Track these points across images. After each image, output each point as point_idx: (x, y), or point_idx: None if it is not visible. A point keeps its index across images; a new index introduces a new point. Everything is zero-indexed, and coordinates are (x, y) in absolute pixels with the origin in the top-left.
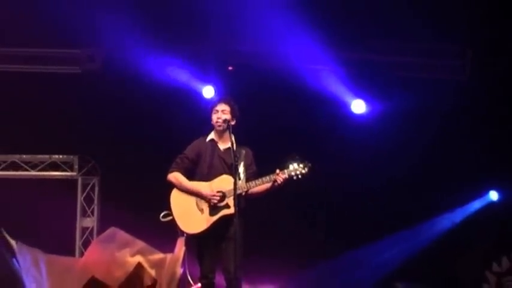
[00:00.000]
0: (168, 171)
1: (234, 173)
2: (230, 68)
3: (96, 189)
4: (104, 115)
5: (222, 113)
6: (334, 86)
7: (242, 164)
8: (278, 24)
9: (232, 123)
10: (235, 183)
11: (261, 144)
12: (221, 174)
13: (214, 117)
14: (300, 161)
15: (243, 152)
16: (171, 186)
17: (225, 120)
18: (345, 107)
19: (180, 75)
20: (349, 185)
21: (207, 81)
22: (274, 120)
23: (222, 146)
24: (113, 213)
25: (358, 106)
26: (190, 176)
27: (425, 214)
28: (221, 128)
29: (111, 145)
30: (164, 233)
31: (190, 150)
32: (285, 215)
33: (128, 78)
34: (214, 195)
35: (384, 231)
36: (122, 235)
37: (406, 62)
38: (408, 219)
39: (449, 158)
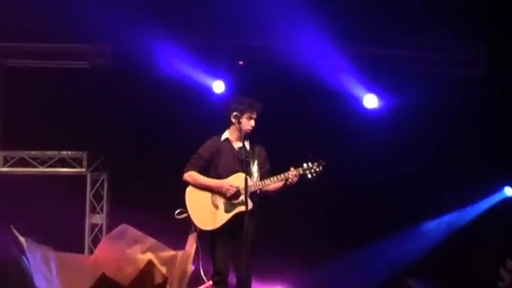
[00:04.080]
0: (183, 171)
1: (245, 169)
2: (240, 62)
3: (105, 185)
4: (113, 111)
5: (254, 122)
6: (346, 80)
7: (256, 162)
8: (289, 18)
9: None
10: (246, 179)
11: (272, 140)
12: (236, 172)
13: (248, 123)
14: (314, 159)
15: (257, 149)
16: (182, 182)
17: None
18: (357, 101)
19: (190, 70)
20: (361, 181)
21: (217, 76)
22: (285, 115)
23: (237, 144)
24: (122, 209)
25: (371, 101)
26: (206, 175)
27: (439, 210)
28: (248, 134)
29: (120, 141)
30: (175, 230)
31: (204, 150)
32: (296, 213)
33: (137, 74)
34: (229, 188)
35: (396, 228)
36: (133, 232)
37: (419, 56)
38: (421, 216)
39: (463, 154)
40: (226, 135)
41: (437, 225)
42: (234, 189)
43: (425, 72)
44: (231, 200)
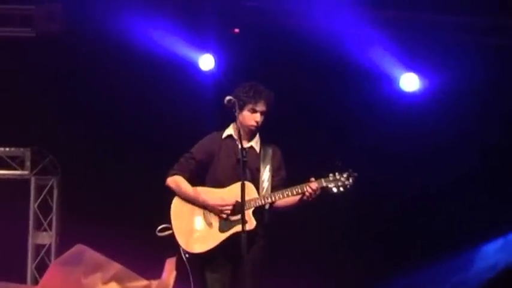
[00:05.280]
0: (167, 174)
1: (242, 173)
2: (236, 30)
3: (55, 192)
4: (66, 94)
5: (261, 116)
6: (376, 54)
7: (268, 167)
8: None
9: None
10: (242, 187)
11: (274, 130)
12: (239, 180)
13: (250, 117)
14: (343, 169)
15: (270, 151)
16: (166, 191)
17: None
18: (391, 82)
19: (170, 40)
20: (398, 188)
21: (204, 48)
22: (293, 99)
23: (243, 144)
24: (78, 225)
25: (409, 81)
26: (201, 182)
27: (502, 226)
28: (253, 131)
29: (74, 135)
30: (148, 253)
31: (199, 149)
32: (316, 228)
33: (98, 45)
34: (225, 206)
35: (447, 249)
36: (92, 255)
37: (472, 22)
38: (479, 233)
39: None
40: (229, 131)
41: (501, 246)
42: (229, 210)
43: (479, 42)
44: (228, 216)
